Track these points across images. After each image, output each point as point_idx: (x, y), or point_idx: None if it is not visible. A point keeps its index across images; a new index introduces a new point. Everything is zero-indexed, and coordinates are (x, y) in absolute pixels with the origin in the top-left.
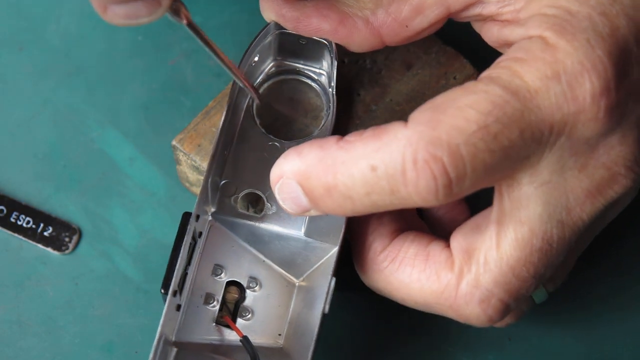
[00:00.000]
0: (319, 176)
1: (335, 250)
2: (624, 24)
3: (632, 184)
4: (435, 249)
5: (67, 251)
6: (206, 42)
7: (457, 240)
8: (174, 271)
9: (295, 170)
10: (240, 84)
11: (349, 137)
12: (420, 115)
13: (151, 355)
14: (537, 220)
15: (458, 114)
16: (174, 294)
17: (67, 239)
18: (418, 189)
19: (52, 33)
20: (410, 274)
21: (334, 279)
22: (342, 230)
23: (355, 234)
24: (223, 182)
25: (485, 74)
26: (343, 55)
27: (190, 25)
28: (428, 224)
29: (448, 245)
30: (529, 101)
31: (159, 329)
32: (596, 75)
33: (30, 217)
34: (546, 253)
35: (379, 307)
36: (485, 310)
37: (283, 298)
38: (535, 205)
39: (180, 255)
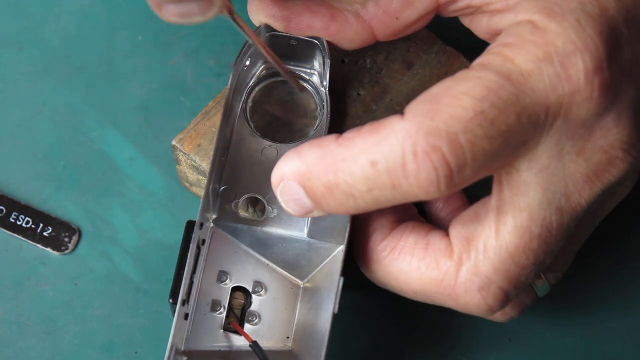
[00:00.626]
0: (319, 175)
1: (340, 249)
2: (612, 5)
3: (629, 167)
4: (435, 237)
5: (66, 251)
6: (251, 37)
7: (456, 228)
8: (181, 280)
9: (296, 171)
10: (286, 77)
11: (348, 134)
12: (417, 107)
13: None
14: (536, 207)
15: (454, 102)
16: (183, 303)
17: (66, 239)
18: (419, 181)
19: (52, 33)
20: (409, 262)
21: (342, 279)
22: (347, 229)
23: (356, 225)
24: (222, 188)
25: (476, 61)
26: (343, 55)
27: (237, 21)
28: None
29: (447, 235)
30: (522, 84)
31: (170, 339)
32: (588, 54)
33: (29, 217)
34: (545, 240)
35: (377, 308)
36: (485, 298)
37: (289, 300)
38: (534, 192)
39: (187, 263)
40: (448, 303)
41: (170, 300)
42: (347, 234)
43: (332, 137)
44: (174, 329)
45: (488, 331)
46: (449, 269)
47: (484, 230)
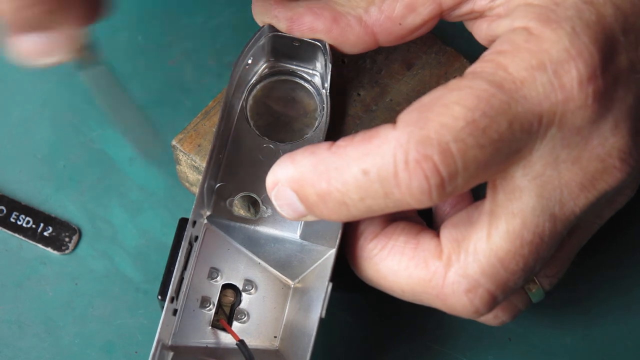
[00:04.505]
0: (312, 183)
1: (331, 253)
2: (610, 12)
3: (625, 177)
4: (425, 237)
5: (67, 251)
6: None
7: (448, 229)
8: (171, 278)
9: (289, 177)
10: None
11: (341, 142)
12: (408, 116)
13: None
14: (529, 213)
15: (445, 112)
16: (171, 300)
17: (67, 239)
18: (411, 190)
19: None
20: (399, 261)
21: (330, 284)
22: (339, 234)
23: (348, 223)
24: (218, 185)
25: (469, 69)
26: (343, 56)
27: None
28: (437, 225)
29: (438, 235)
30: (514, 92)
31: (157, 335)
32: (582, 62)
33: (30, 217)
34: (537, 246)
35: (377, 307)
36: (472, 300)
37: (279, 300)
38: (528, 198)
39: (177, 262)
40: (435, 304)
41: (159, 297)
42: (338, 239)
43: (325, 145)
44: (161, 325)
45: (488, 331)
46: (437, 269)
47: (475, 233)
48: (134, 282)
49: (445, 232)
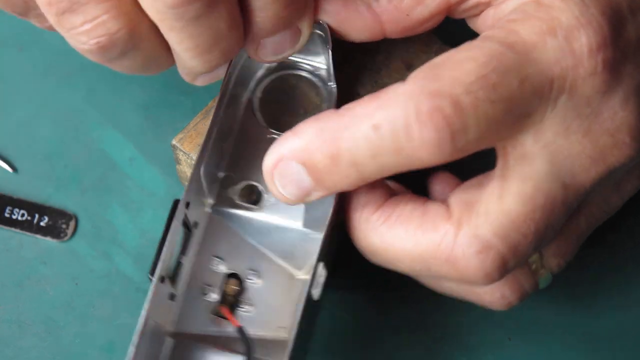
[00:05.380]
0: (321, 148)
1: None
2: None
3: (634, 154)
4: (433, 205)
5: (65, 238)
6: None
7: (457, 194)
8: (160, 256)
9: (294, 148)
10: None
11: (347, 105)
12: (419, 73)
13: (136, 339)
14: (542, 178)
15: (456, 67)
16: (162, 279)
17: (64, 226)
18: (423, 142)
19: (53, 33)
20: (406, 229)
21: (321, 264)
22: (329, 216)
23: (348, 197)
24: (223, 175)
25: (481, 35)
26: (347, 50)
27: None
28: None
29: (445, 203)
30: (526, 54)
31: (144, 312)
32: (592, 30)
33: (24, 209)
34: (548, 212)
35: (376, 306)
36: (483, 262)
37: (283, 290)
38: (540, 164)
39: (168, 240)
40: (445, 270)
41: (150, 276)
42: (328, 221)
43: (330, 111)
44: (149, 303)
45: (488, 331)
46: (447, 231)
47: (486, 195)
48: (134, 282)
49: (455, 197)
